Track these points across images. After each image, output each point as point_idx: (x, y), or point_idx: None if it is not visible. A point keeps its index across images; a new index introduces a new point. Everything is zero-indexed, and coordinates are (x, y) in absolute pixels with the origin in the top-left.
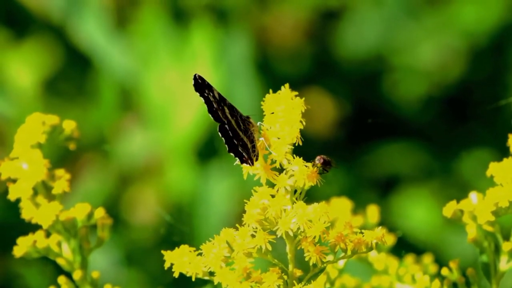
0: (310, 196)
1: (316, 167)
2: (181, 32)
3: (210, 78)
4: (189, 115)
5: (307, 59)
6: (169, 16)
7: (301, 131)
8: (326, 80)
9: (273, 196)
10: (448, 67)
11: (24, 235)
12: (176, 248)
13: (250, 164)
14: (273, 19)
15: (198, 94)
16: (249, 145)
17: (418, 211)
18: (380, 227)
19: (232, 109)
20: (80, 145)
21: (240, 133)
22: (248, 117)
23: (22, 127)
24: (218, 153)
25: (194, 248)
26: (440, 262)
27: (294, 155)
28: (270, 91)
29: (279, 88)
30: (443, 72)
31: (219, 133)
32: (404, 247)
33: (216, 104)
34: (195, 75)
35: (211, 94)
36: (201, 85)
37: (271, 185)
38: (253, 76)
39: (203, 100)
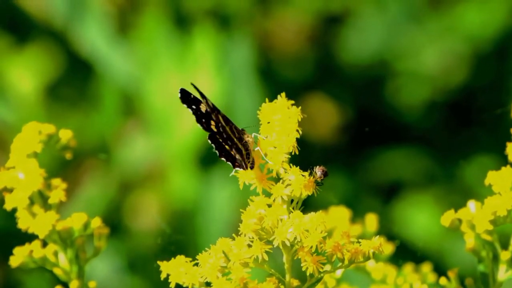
0: (311, 203)
1: (313, 177)
2: (183, 38)
3: (212, 84)
4: (192, 121)
5: (309, 64)
6: (171, 21)
7: (303, 137)
8: (328, 86)
9: (269, 206)
10: (451, 72)
11: (24, 243)
12: (176, 256)
13: (244, 168)
14: (276, 24)
15: (185, 105)
16: (244, 152)
17: (420, 217)
18: (378, 236)
19: (225, 118)
20: (82, 151)
21: (235, 139)
22: (242, 130)
23: (19, 136)
24: (221, 160)
25: (191, 258)
26: (440, 270)
27: (292, 164)
28: (267, 100)
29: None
30: (446, 77)
31: (209, 141)
32: (404, 254)
33: (205, 115)
34: (181, 89)
35: (198, 107)
36: (187, 98)
37: (269, 194)
38: (256, 82)
39: (191, 112)
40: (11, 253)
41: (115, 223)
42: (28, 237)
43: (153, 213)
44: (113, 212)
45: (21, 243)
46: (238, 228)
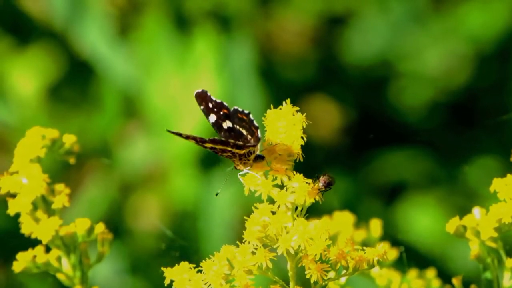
0: (313, 208)
1: (317, 184)
2: (184, 39)
3: (213, 85)
4: (192, 122)
5: (312, 66)
6: (172, 23)
7: (306, 138)
8: (331, 87)
9: (273, 213)
10: (454, 73)
11: (27, 245)
12: (181, 258)
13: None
14: (278, 25)
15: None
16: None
17: (423, 219)
18: (382, 243)
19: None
20: (83, 153)
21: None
22: None
23: (22, 141)
24: (221, 161)
25: (192, 261)
26: (443, 273)
27: (295, 167)
28: (272, 106)
29: (284, 95)
30: (449, 78)
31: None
32: (407, 257)
33: None
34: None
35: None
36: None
37: (272, 201)
38: (257, 83)
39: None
40: (13, 256)
41: (117, 225)
42: (31, 239)
43: (155, 216)
44: (114, 213)
45: (24, 245)
46: (239, 228)
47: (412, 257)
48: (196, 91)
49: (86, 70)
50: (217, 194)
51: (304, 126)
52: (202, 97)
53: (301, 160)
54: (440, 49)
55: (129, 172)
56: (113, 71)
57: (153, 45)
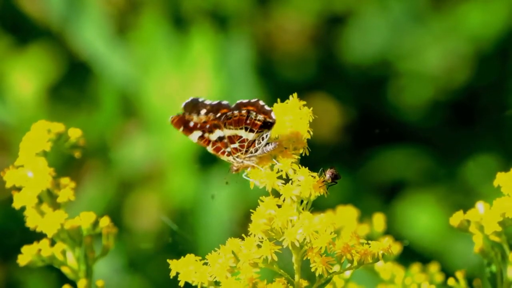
0: (315, 203)
1: (323, 178)
2: (181, 38)
3: (211, 84)
4: None
5: (312, 65)
6: (169, 22)
7: (312, 133)
8: (331, 86)
9: (279, 206)
10: (454, 72)
11: (26, 242)
12: (180, 255)
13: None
14: (278, 24)
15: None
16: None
17: (423, 217)
18: (387, 237)
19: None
20: (83, 151)
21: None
22: None
23: (27, 135)
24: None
25: (200, 258)
26: (446, 269)
27: (300, 165)
28: (278, 100)
29: (283, 94)
30: (449, 77)
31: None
32: (409, 254)
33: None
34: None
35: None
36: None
37: (276, 194)
38: (255, 82)
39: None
40: (12, 252)
41: (115, 223)
42: (29, 237)
43: (154, 212)
44: (114, 211)
45: (23, 243)
46: (237, 226)
47: (412, 255)
48: (185, 102)
49: (84, 69)
50: (213, 197)
51: (311, 120)
52: (193, 106)
53: (307, 154)
54: (440, 48)
55: (127, 170)
56: (111, 70)
57: (151, 44)
